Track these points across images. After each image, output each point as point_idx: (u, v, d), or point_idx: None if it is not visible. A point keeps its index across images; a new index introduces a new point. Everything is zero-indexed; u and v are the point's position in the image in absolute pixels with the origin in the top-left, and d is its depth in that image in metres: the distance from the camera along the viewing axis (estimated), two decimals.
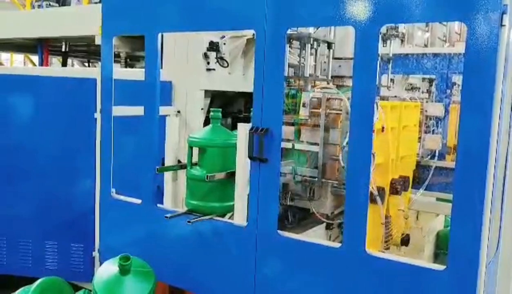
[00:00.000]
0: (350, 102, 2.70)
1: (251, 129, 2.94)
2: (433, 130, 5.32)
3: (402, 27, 4.72)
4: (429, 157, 5.21)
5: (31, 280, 3.77)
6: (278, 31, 2.85)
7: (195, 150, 3.40)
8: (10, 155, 4.93)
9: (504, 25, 2.27)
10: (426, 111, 5.00)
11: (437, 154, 5.13)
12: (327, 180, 3.60)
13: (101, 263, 3.83)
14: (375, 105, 2.94)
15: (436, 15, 2.57)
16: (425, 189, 4.98)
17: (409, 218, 4.64)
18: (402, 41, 5.50)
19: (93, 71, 4.82)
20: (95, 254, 4.57)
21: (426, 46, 8.11)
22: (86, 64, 9.90)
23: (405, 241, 4.45)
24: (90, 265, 4.78)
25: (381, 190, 3.68)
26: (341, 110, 3.56)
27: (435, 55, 5.83)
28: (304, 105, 3.73)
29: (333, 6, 2.67)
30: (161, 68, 3.88)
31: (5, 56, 13.48)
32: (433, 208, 5.41)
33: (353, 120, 2.68)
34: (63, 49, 6.68)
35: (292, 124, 3.72)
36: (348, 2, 2.62)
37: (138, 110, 3.47)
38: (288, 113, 3.79)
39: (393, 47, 4.59)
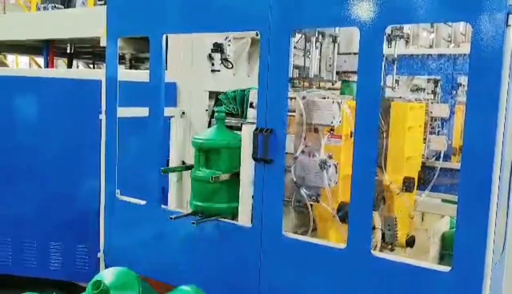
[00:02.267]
0: (356, 103, 2.68)
1: (256, 130, 2.94)
2: (438, 131, 5.29)
3: (407, 28, 4.70)
4: (434, 158, 5.19)
5: (35, 281, 3.78)
6: (283, 33, 2.85)
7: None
8: (16, 155, 4.95)
9: (509, 25, 2.26)
10: (431, 112, 4.98)
11: (442, 155, 5.11)
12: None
13: (105, 264, 3.84)
14: (336, 105, 2.85)
15: (441, 16, 2.57)
16: (431, 190, 4.96)
17: (414, 219, 4.62)
18: (407, 42, 5.49)
19: (98, 73, 4.84)
20: (100, 255, 4.59)
21: (431, 47, 8.09)
22: (91, 66, 9.92)
23: (410, 242, 4.43)
24: (94, 265, 4.78)
25: (346, 206, 3.07)
26: (294, 112, 3.18)
27: (440, 55, 5.81)
28: (252, 106, 3.38)
29: (338, 7, 2.66)
30: (166, 69, 3.88)
31: (10, 58, 13.52)
32: (438, 210, 5.38)
33: (358, 121, 2.67)
34: (68, 51, 6.70)
35: (239, 128, 3.27)
36: (353, 3, 2.61)
37: (143, 111, 3.47)
38: (236, 116, 3.51)
39: (398, 48, 4.57)
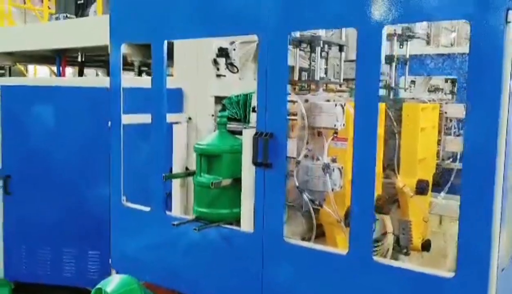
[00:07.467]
0: (354, 106, 2.63)
1: (255, 134, 2.90)
2: (454, 132, 5.17)
3: (423, 28, 4.62)
4: (450, 159, 5.07)
5: (48, 288, 3.81)
6: (281, 35, 2.82)
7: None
8: (29, 163, 5.02)
9: (510, 22, 2.18)
10: (445, 112, 4.86)
11: (458, 156, 4.99)
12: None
13: (115, 270, 3.87)
14: (340, 107, 2.79)
15: (440, 14, 2.48)
16: (449, 193, 4.83)
17: (430, 223, 4.52)
18: (427, 42, 5.40)
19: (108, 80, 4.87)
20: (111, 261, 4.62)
21: (452, 46, 7.93)
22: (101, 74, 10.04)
23: (426, 246, 4.32)
24: (107, 272, 4.81)
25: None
26: (296, 115, 3.12)
27: (453, 55, 5.69)
28: (254, 110, 3.25)
29: (335, 8, 2.62)
30: (172, 75, 3.88)
31: (31, 68, 13.80)
32: (456, 212, 5.24)
33: (357, 124, 2.62)
34: (79, 59, 6.79)
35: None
36: (350, 3, 2.56)
37: (145, 118, 3.48)
38: (239, 120, 3.50)
39: (415, 48, 4.47)
